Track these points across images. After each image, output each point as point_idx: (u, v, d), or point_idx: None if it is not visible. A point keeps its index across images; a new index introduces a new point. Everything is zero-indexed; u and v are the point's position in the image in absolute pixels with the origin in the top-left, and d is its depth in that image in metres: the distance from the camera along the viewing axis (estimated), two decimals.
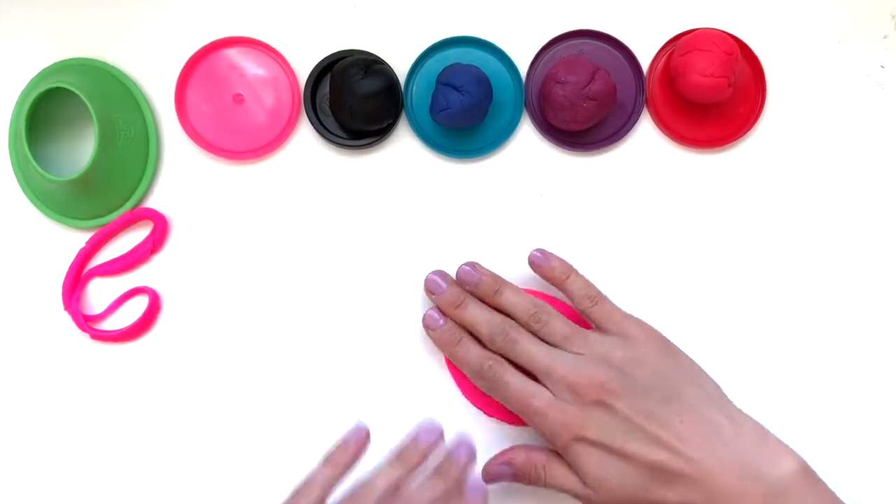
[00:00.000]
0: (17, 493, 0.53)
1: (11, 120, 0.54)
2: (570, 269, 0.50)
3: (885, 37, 0.55)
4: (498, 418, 0.51)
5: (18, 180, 0.54)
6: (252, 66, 0.54)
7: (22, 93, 0.54)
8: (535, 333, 0.48)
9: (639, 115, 0.54)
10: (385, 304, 0.53)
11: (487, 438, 0.51)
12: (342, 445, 0.47)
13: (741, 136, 0.54)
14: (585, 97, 0.50)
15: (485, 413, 0.52)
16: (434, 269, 0.51)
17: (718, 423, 0.45)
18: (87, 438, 0.53)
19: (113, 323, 0.53)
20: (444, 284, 0.50)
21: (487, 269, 0.51)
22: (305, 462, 0.52)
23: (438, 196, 0.54)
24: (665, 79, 0.53)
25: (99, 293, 0.54)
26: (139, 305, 0.53)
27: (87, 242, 0.53)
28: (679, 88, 0.51)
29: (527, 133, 0.54)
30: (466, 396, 0.52)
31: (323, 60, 0.54)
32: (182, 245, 0.54)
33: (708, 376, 0.48)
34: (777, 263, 0.53)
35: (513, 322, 0.49)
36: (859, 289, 0.53)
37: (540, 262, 0.51)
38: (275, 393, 0.53)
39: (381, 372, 0.53)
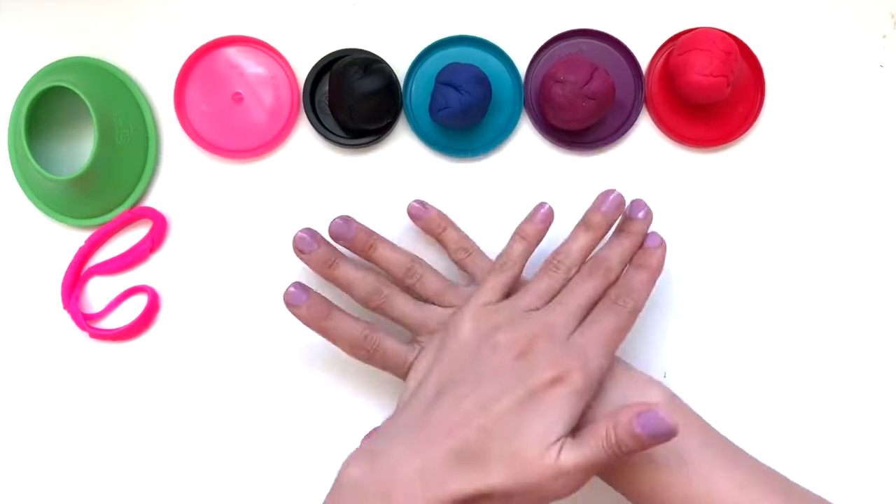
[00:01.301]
0: (17, 493, 0.53)
1: (11, 119, 0.54)
2: (447, 222, 0.50)
3: (884, 36, 0.55)
4: None
5: (18, 179, 0.54)
6: (251, 65, 0.54)
7: (21, 91, 0.54)
8: (410, 289, 0.48)
9: (638, 115, 0.54)
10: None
11: None
12: (529, 219, 0.48)
13: (740, 135, 0.54)
14: (584, 96, 0.50)
15: None
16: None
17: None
18: (87, 437, 0.53)
19: (112, 321, 0.54)
20: (314, 243, 0.48)
21: (361, 224, 0.49)
22: (305, 462, 0.52)
23: (437, 195, 0.54)
24: (664, 78, 0.53)
25: (98, 292, 0.54)
26: (138, 304, 0.53)
27: (86, 241, 0.53)
28: (678, 88, 0.51)
29: (526, 132, 0.54)
30: None
31: (322, 59, 0.54)
32: (181, 244, 0.54)
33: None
34: (776, 262, 0.53)
35: (386, 279, 0.48)
36: (859, 288, 0.53)
37: (419, 214, 0.50)
38: (274, 392, 0.53)
39: (380, 371, 0.53)
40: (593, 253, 0.48)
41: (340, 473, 0.42)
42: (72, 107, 0.51)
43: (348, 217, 0.50)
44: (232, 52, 0.54)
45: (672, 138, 0.54)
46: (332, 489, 0.42)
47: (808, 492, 0.44)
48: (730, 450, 0.45)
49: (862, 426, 0.52)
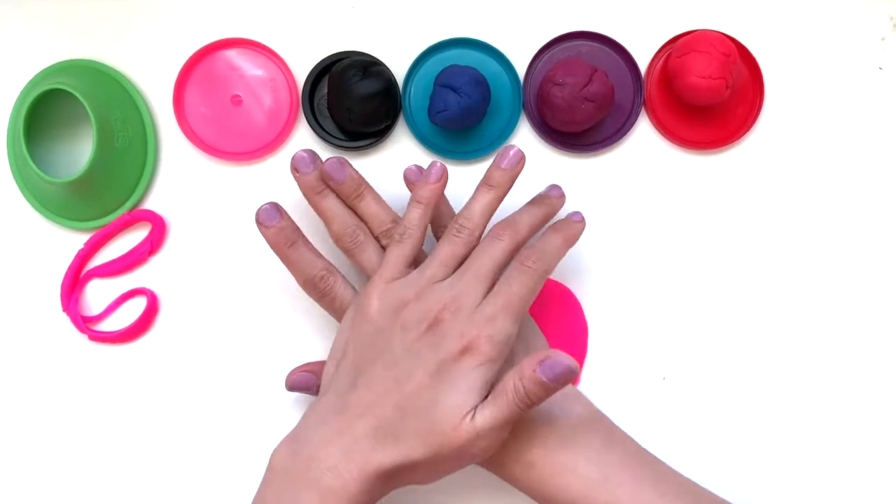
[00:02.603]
0: (17, 493, 0.53)
1: (10, 121, 0.54)
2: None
3: (882, 39, 0.55)
4: None
5: (17, 182, 0.54)
6: (250, 68, 0.54)
7: (20, 94, 0.54)
8: (383, 248, 0.48)
9: (637, 117, 0.54)
10: None
11: None
12: (423, 181, 0.47)
13: (739, 137, 0.54)
14: (583, 99, 0.50)
15: None
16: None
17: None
18: (86, 439, 0.53)
19: (111, 324, 0.54)
20: (311, 166, 0.48)
21: (355, 171, 0.49)
22: None
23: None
24: (663, 80, 0.53)
25: (97, 294, 0.54)
26: (137, 306, 0.53)
27: (85, 244, 0.53)
28: (677, 90, 0.51)
29: (525, 135, 0.54)
30: None
31: (321, 62, 0.54)
32: (180, 246, 0.54)
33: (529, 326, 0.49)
34: (775, 264, 0.53)
35: (366, 228, 0.48)
36: (859, 289, 0.53)
37: (414, 179, 0.49)
38: (273, 393, 0.53)
39: None
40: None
41: (271, 458, 0.43)
42: (71, 109, 0.51)
43: (344, 160, 0.49)
44: (231, 55, 0.54)
45: (671, 140, 0.54)
46: (265, 476, 0.43)
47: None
48: (650, 461, 0.46)
49: (861, 427, 0.52)
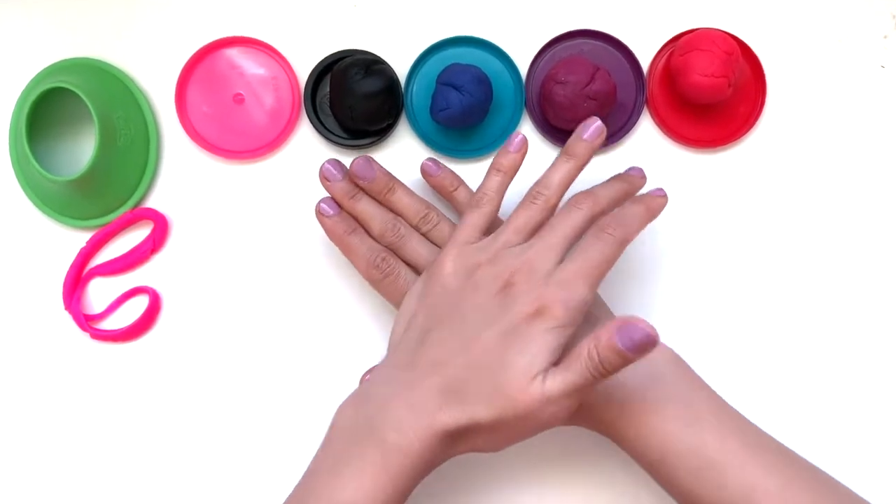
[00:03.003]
0: (18, 493, 0.53)
1: (12, 119, 0.54)
2: (459, 181, 0.50)
3: (885, 37, 0.55)
4: None
5: (19, 180, 0.54)
6: (252, 66, 0.54)
7: (23, 92, 0.54)
8: (425, 235, 0.48)
9: (639, 115, 0.54)
10: (384, 303, 0.53)
11: None
12: (503, 150, 0.47)
13: (741, 135, 0.54)
14: (586, 97, 0.50)
15: None
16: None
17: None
18: (88, 438, 0.53)
19: (113, 322, 0.54)
20: (338, 174, 0.49)
21: (382, 167, 0.50)
22: (304, 462, 0.52)
23: (438, 196, 0.54)
24: (665, 79, 0.53)
25: (99, 293, 0.54)
26: (139, 305, 0.53)
27: (87, 242, 0.53)
28: (679, 88, 0.51)
29: (527, 133, 0.54)
30: None
31: (323, 60, 0.54)
32: (182, 245, 0.54)
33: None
34: (777, 263, 0.53)
35: (403, 220, 0.49)
36: (859, 288, 0.53)
37: (432, 172, 0.50)
38: (275, 392, 0.53)
39: None
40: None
41: (335, 416, 0.43)
42: (73, 108, 0.51)
43: (370, 157, 0.50)
44: (233, 53, 0.54)
45: (673, 139, 0.54)
46: (327, 435, 0.43)
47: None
48: (731, 411, 0.45)
49: (863, 424, 0.52)
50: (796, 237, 0.53)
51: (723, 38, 0.50)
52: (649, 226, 0.53)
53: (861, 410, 0.52)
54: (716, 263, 0.53)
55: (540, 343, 0.40)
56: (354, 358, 0.53)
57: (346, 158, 0.54)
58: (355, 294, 0.53)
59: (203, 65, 0.54)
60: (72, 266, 0.53)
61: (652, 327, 0.38)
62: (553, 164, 0.46)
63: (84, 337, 0.53)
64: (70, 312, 0.53)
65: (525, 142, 0.47)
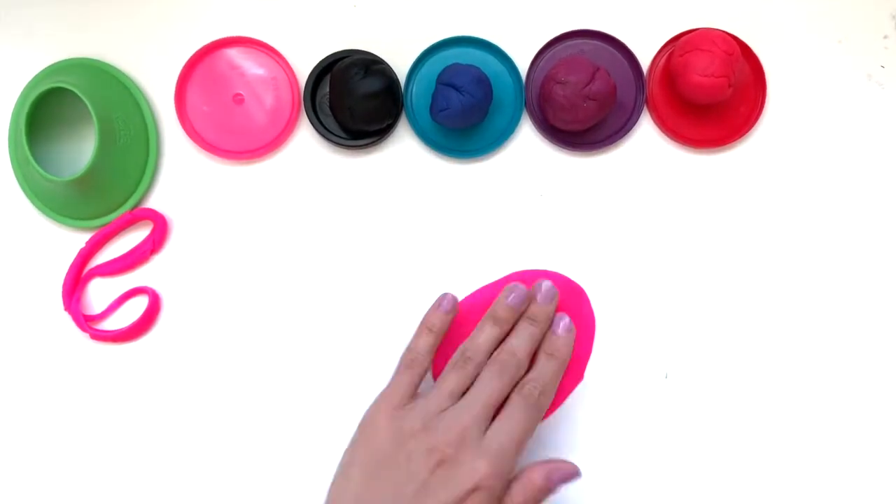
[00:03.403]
0: (18, 493, 0.53)
1: (12, 120, 0.54)
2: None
3: (885, 37, 0.55)
4: None
5: (18, 180, 0.54)
6: (252, 66, 0.54)
7: (22, 93, 0.54)
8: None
9: (639, 115, 0.54)
10: (384, 303, 0.53)
11: None
12: (434, 310, 0.48)
13: (741, 135, 0.54)
14: (586, 97, 0.50)
15: None
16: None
17: None
18: (88, 438, 0.53)
19: (113, 323, 0.54)
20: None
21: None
22: (304, 462, 0.52)
23: (438, 196, 0.54)
24: (665, 79, 0.53)
25: (99, 293, 0.54)
26: (139, 305, 0.53)
27: (87, 242, 0.53)
28: (679, 88, 0.51)
29: (527, 133, 0.54)
30: None
31: (323, 60, 0.54)
32: (182, 245, 0.54)
33: None
34: (777, 263, 0.53)
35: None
36: (859, 288, 0.53)
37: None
38: (274, 392, 0.53)
39: (380, 371, 0.53)
40: None
41: None
42: (73, 108, 0.51)
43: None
44: (233, 54, 0.54)
45: (673, 139, 0.54)
46: None
47: None
48: None
49: (862, 425, 0.52)
50: (796, 237, 0.53)
51: (723, 38, 0.50)
52: (649, 226, 0.54)
53: (861, 410, 0.52)
54: (715, 263, 0.53)
55: None
56: (354, 358, 0.53)
57: (346, 159, 0.54)
58: (355, 294, 0.53)
59: (203, 65, 0.54)
60: (71, 266, 0.53)
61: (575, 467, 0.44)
62: (479, 327, 0.48)
63: (84, 337, 0.53)
64: (70, 313, 0.53)
65: (455, 302, 0.48)
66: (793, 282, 0.53)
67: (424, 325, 0.48)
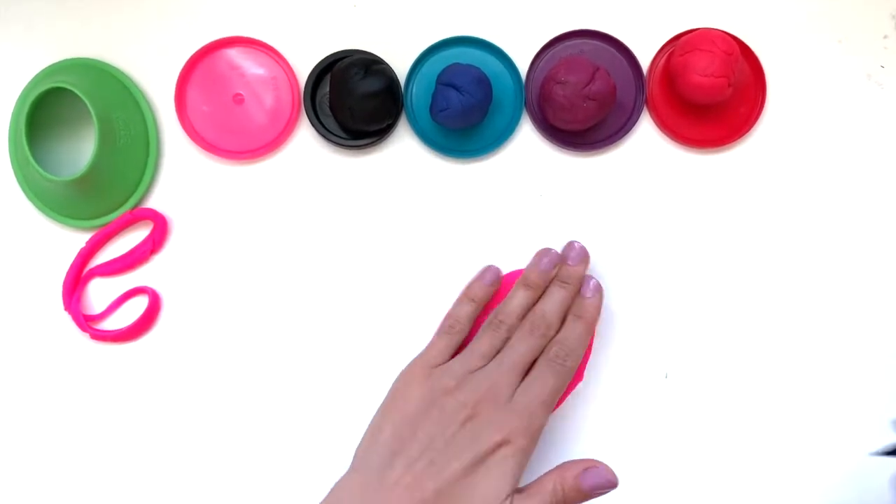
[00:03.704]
0: (18, 493, 0.53)
1: (11, 120, 0.54)
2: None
3: (885, 37, 0.55)
4: None
5: (18, 180, 0.54)
6: (252, 66, 0.54)
7: (22, 93, 0.54)
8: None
9: (639, 115, 0.54)
10: (385, 303, 0.53)
11: None
12: (478, 280, 0.51)
13: (741, 136, 0.54)
14: (585, 97, 0.50)
15: None
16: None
17: None
18: (88, 438, 0.53)
19: (113, 323, 0.54)
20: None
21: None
22: (304, 462, 0.52)
23: (438, 196, 0.54)
24: (665, 79, 0.53)
25: (99, 293, 0.54)
26: (139, 305, 0.53)
27: (87, 242, 0.53)
28: (679, 88, 0.51)
29: (527, 133, 0.54)
30: None
31: (323, 60, 0.54)
32: (182, 245, 0.54)
33: None
34: (777, 263, 0.53)
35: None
36: (859, 288, 0.53)
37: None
38: (274, 393, 0.53)
39: (381, 371, 0.53)
40: None
41: None
42: (73, 108, 0.51)
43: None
44: (233, 54, 0.54)
45: (673, 139, 0.54)
46: None
47: None
48: None
49: (863, 425, 0.52)
50: (796, 237, 0.53)
51: (722, 38, 0.50)
52: (649, 226, 0.54)
53: (862, 410, 0.52)
54: (715, 263, 0.53)
55: (505, 469, 0.44)
56: (354, 358, 0.53)
57: (346, 159, 0.54)
58: (355, 294, 0.53)
59: (203, 65, 0.54)
60: (71, 266, 0.53)
61: (613, 474, 0.44)
62: (511, 293, 0.50)
63: (84, 337, 0.53)
64: (70, 313, 0.53)
65: (499, 276, 0.51)
66: (793, 281, 0.53)
67: (467, 294, 0.51)
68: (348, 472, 0.46)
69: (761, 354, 0.53)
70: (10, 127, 0.54)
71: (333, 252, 0.54)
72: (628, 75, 0.54)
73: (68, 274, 0.53)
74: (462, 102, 0.50)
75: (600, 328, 0.53)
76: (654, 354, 0.53)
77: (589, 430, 0.52)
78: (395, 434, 0.45)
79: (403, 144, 0.54)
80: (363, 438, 0.47)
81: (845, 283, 0.53)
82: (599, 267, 0.53)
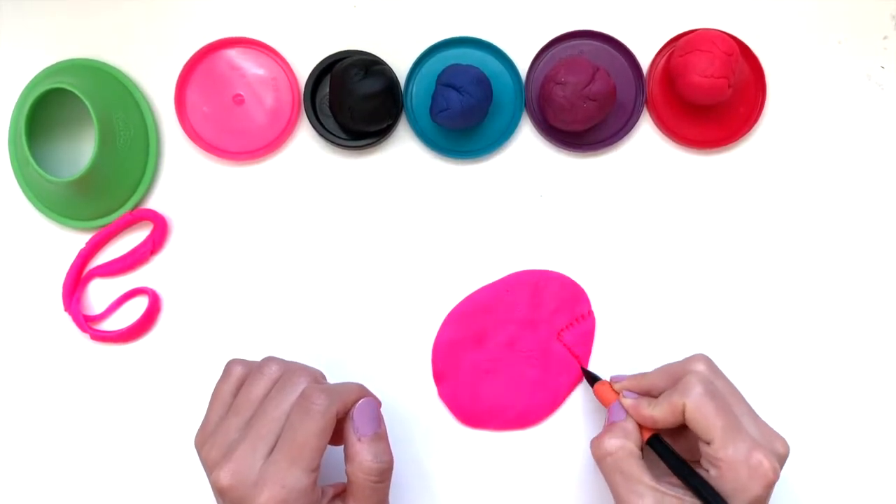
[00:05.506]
0: (18, 493, 0.53)
1: (11, 120, 0.54)
2: None
3: (885, 37, 0.55)
4: (490, 428, 0.52)
5: (18, 181, 0.54)
6: (252, 67, 0.54)
7: (22, 93, 0.54)
8: None
9: (639, 116, 0.54)
10: (385, 303, 0.53)
11: (477, 447, 0.52)
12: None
13: (741, 136, 0.54)
14: (585, 98, 0.50)
15: (475, 427, 0.52)
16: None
17: None
18: (88, 438, 0.53)
19: (113, 323, 0.54)
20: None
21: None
22: None
23: (438, 197, 0.54)
24: (665, 79, 0.53)
25: (99, 294, 0.54)
26: (139, 306, 0.53)
27: (87, 243, 0.53)
28: (679, 89, 0.51)
29: (527, 134, 0.54)
30: (459, 419, 0.52)
31: (323, 61, 0.54)
32: (182, 246, 0.54)
33: None
34: (776, 263, 0.53)
35: None
36: (859, 289, 0.53)
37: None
38: None
39: (380, 371, 0.53)
40: None
41: None
42: (72, 109, 0.51)
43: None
44: (233, 54, 0.54)
45: (673, 139, 0.54)
46: None
47: None
48: None
49: (863, 425, 0.52)
50: (796, 237, 0.53)
51: (722, 39, 0.50)
52: (649, 227, 0.54)
53: (861, 410, 0.52)
54: (716, 264, 0.53)
55: None
56: (355, 357, 0.53)
57: (346, 159, 0.54)
58: (355, 295, 0.53)
59: (203, 65, 0.54)
60: (71, 267, 0.53)
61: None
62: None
63: (84, 338, 0.53)
64: (70, 313, 0.53)
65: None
66: (793, 282, 0.53)
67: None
68: None
69: (762, 354, 0.53)
70: (9, 127, 0.54)
71: (333, 253, 0.54)
72: (628, 76, 0.54)
73: (68, 274, 0.53)
74: (462, 103, 0.50)
75: (600, 329, 0.53)
76: (655, 354, 0.53)
77: (589, 430, 0.52)
78: None
79: (403, 145, 0.54)
80: None
81: (846, 283, 0.53)
82: (599, 267, 0.53)
